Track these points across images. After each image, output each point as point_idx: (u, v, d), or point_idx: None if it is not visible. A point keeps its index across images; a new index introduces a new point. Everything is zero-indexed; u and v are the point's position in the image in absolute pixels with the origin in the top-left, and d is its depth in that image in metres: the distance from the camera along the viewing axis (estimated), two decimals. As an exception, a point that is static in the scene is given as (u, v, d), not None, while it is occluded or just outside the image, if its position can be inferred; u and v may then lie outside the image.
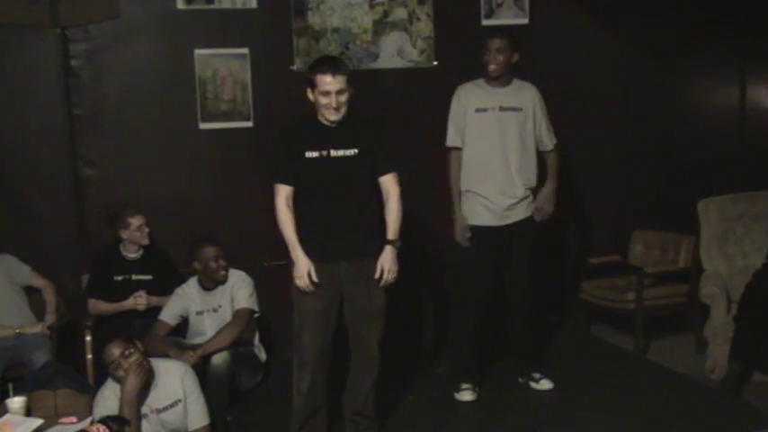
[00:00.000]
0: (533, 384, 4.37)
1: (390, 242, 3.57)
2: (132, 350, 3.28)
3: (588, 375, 4.60)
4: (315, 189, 3.53)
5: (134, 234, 4.61)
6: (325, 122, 3.52)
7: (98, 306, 4.60)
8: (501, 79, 4.18)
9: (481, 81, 4.23)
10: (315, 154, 3.49)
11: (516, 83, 4.24)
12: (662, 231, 5.54)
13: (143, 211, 4.65)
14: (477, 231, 4.20)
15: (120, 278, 4.62)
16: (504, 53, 4.12)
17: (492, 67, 4.14)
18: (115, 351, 3.26)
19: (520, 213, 4.21)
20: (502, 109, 4.16)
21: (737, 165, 5.87)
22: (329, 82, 3.43)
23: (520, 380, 4.42)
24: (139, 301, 4.54)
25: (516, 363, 4.51)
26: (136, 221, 4.61)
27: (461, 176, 4.24)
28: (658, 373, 4.62)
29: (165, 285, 4.58)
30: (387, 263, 3.54)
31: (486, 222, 4.19)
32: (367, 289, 3.56)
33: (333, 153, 3.50)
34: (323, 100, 3.45)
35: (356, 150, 3.52)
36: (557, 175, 4.31)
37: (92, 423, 3.19)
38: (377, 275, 3.54)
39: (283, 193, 3.54)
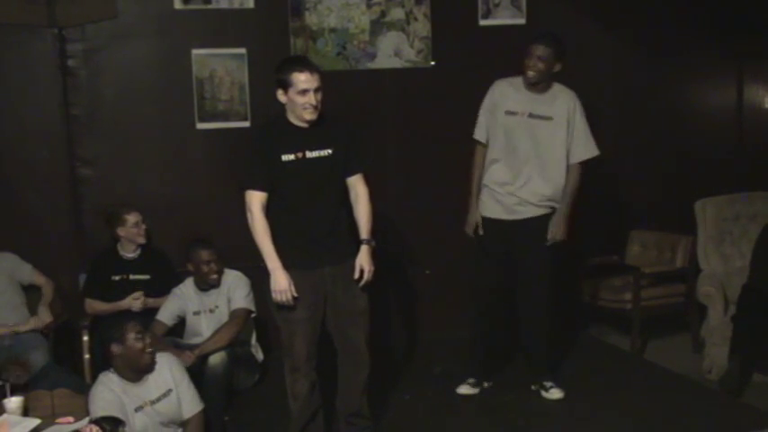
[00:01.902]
0: (543, 393, 4.25)
1: (366, 242, 3.53)
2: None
3: (585, 375, 4.59)
4: (292, 193, 3.44)
5: (131, 231, 4.61)
6: (297, 123, 3.45)
7: (95, 306, 4.59)
8: (539, 86, 4.05)
9: (519, 81, 4.09)
10: (291, 156, 3.41)
11: (555, 89, 4.09)
12: (659, 231, 5.54)
13: (140, 210, 4.64)
14: (488, 223, 4.16)
15: (117, 278, 4.61)
16: (547, 62, 3.97)
17: (531, 73, 4.00)
18: (139, 331, 3.38)
19: (532, 210, 4.10)
20: (531, 116, 4.04)
21: (734, 165, 5.86)
22: (307, 80, 3.35)
23: (532, 387, 4.31)
24: (135, 301, 4.52)
25: (529, 369, 4.40)
26: (132, 218, 4.61)
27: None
28: (655, 373, 4.63)
29: (162, 285, 4.56)
30: (365, 262, 3.50)
31: (496, 215, 4.14)
32: (351, 290, 3.52)
33: (308, 154, 3.42)
34: (300, 99, 3.36)
35: (330, 150, 3.46)
36: (571, 200, 4.14)
37: (89, 422, 3.19)
38: (356, 275, 3.50)
39: (258, 201, 3.42)
